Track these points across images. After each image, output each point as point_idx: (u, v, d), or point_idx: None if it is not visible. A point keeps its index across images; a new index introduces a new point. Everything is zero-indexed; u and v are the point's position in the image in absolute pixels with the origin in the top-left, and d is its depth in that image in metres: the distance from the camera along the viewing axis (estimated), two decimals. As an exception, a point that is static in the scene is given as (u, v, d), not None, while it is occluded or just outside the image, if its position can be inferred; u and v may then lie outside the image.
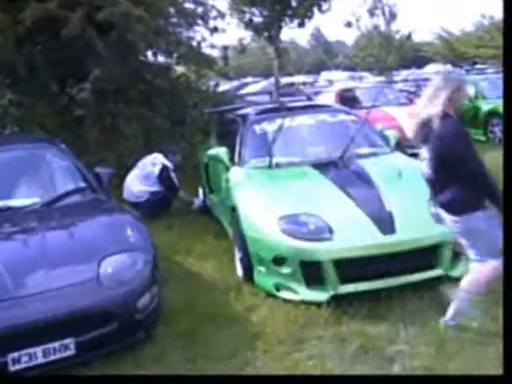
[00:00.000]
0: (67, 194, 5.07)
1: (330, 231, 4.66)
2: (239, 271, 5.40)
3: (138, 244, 4.36)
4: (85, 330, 3.82)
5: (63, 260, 4.09)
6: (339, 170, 5.62)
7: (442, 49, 35.10)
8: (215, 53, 11.48)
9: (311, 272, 4.62)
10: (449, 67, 33.98)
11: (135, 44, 8.95)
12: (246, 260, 5.13)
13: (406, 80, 25.16)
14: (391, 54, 29.33)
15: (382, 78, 27.34)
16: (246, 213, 5.15)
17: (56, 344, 3.72)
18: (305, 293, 4.66)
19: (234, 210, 5.52)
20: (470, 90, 13.01)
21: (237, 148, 6.30)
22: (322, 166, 5.65)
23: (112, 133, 9.55)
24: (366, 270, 4.63)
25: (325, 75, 36.07)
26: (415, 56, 36.08)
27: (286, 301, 4.74)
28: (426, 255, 4.73)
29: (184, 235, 6.86)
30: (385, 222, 4.71)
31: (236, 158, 6.20)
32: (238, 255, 5.47)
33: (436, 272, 4.73)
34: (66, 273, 3.99)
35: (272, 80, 15.42)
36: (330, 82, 24.53)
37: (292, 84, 21.80)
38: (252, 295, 4.95)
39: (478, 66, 28.59)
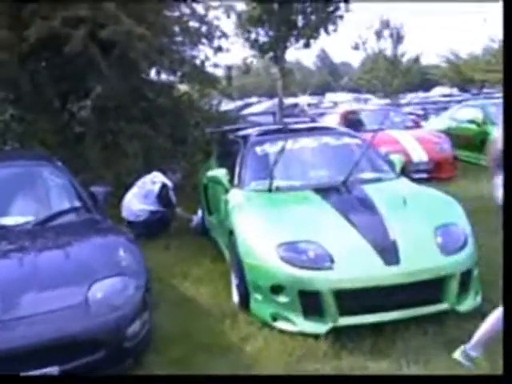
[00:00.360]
0: (61, 213, 4.93)
1: (331, 260, 4.47)
2: (235, 298, 5.20)
3: (130, 268, 4.19)
4: (70, 358, 3.63)
5: (53, 282, 3.92)
6: (341, 195, 5.43)
7: (450, 72, 35.10)
8: (219, 72, 11.39)
9: (310, 302, 4.42)
10: (455, 91, 34.04)
11: (137, 62, 8.86)
12: (243, 287, 4.93)
13: (411, 103, 25.09)
14: (397, 78, 29.29)
15: (387, 101, 27.26)
16: (244, 238, 4.97)
17: (39, 372, 3.52)
18: (302, 324, 4.46)
19: (231, 233, 5.33)
20: (478, 115, 12.89)
21: (237, 169, 6.13)
22: (323, 191, 5.47)
23: (112, 151, 9.43)
24: (367, 301, 4.43)
25: (329, 97, 36.03)
26: (422, 79, 36.02)
27: (282, 332, 4.54)
28: (431, 288, 4.53)
29: (181, 257, 6.67)
30: (388, 252, 4.52)
31: (236, 180, 6.03)
32: (234, 281, 5.28)
33: (442, 306, 4.52)
34: (55, 296, 3.82)
35: (276, 101, 15.32)
36: (335, 104, 24.42)
37: (296, 105, 21.72)
38: (247, 324, 4.75)
39: (485, 90, 28.59)
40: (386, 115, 12.64)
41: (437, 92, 34.79)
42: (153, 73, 11.14)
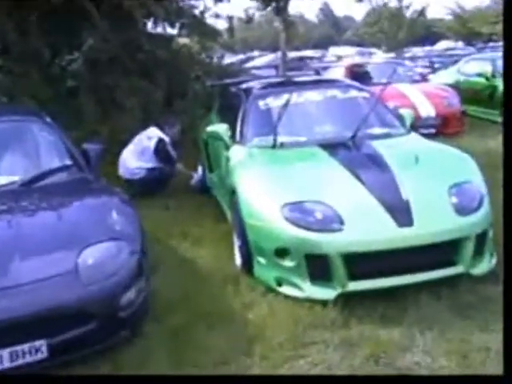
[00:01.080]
0: (50, 171, 4.58)
1: (340, 221, 4.17)
2: (237, 260, 4.93)
3: (124, 231, 3.89)
4: (59, 330, 3.35)
5: (40, 248, 3.62)
6: (350, 151, 5.11)
7: (455, 25, 34.28)
8: (220, 24, 10.94)
9: (317, 266, 4.14)
10: (460, 44, 33.30)
11: (132, 12, 8.40)
12: (245, 249, 4.65)
13: (416, 57, 24.47)
14: (402, 31, 28.58)
15: (391, 55, 26.62)
16: (246, 197, 4.66)
17: (25, 346, 3.26)
18: (309, 289, 4.18)
19: (233, 192, 5.03)
20: (487, 68, 12.46)
21: (238, 125, 5.78)
22: (331, 147, 5.13)
23: (107, 106, 9.04)
24: (378, 265, 4.15)
25: (333, 50, 35.28)
26: (427, 32, 35.21)
27: (287, 297, 4.27)
28: (445, 250, 4.25)
29: (180, 217, 6.39)
30: (401, 213, 4.21)
31: (237, 136, 5.69)
32: (236, 243, 5.00)
33: (456, 269, 4.24)
34: (42, 263, 3.52)
35: (279, 54, 14.80)
36: (339, 58, 23.80)
37: (301, 58, 21.11)
38: (251, 290, 4.47)
39: (492, 44, 27.87)
40: (393, 69, 12.19)
41: (442, 46, 34.09)
42: (149, 26, 10.72)
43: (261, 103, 5.87)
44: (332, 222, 4.19)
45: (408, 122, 5.99)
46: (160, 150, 7.18)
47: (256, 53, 30.19)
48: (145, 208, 6.57)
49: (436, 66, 17.79)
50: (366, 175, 4.59)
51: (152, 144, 7.20)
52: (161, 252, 5.24)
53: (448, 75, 14.11)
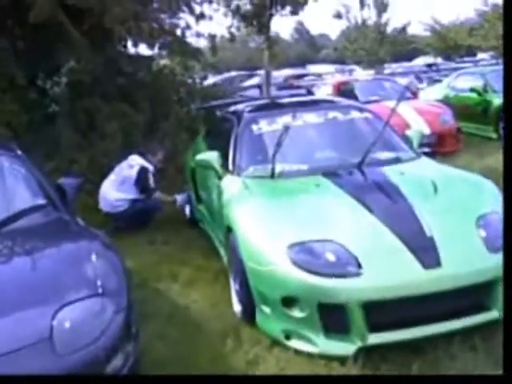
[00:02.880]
0: (21, 213, 3.93)
1: (357, 264, 3.62)
2: (236, 307, 4.35)
3: (107, 284, 3.24)
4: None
5: (5, 310, 3.00)
6: (358, 180, 4.56)
7: (434, 40, 34.18)
8: (201, 42, 10.42)
9: (333, 317, 3.57)
10: (439, 60, 33.15)
11: (112, 31, 7.85)
12: (246, 296, 4.07)
13: (395, 73, 24.18)
14: (383, 47, 28.34)
15: (371, 71, 26.32)
16: (246, 237, 4.08)
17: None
18: (324, 344, 3.61)
19: (229, 230, 4.46)
20: (478, 83, 12.08)
21: (230, 152, 5.22)
22: (336, 176, 4.59)
23: (86, 132, 8.45)
24: (403, 314, 3.61)
25: (312, 68, 34.94)
26: (407, 49, 35.08)
27: (298, 352, 3.70)
28: (478, 293, 3.71)
29: (168, 254, 5.81)
30: (426, 252, 3.67)
31: (230, 165, 5.12)
32: (234, 286, 4.43)
33: (491, 315, 3.69)
34: (7, 331, 2.90)
35: (262, 73, 14.28)
36: (319, 76, 23.38)
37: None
38: (254, 342, 3.89)
39: (478, 58, 27.72)
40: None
41: (420, 62, 33.90)
42: (129, 46, 10.18)
43: (254, 128, 5.32)
44: (347, 265, 3.64)
45: (415, 144, 5.49)
46: (142, 179, 6.60)
47: (234, 73, 29.67)
48: (128, 244, 6.04)
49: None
50: (380, 208, 4.05)
51: (133, 173, 6.62)
52: (148, 298, 4.67)
53: (437, 91, 13.73)
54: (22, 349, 2.81)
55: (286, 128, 4.51)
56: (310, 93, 8.16)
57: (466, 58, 29.01)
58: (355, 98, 11.30)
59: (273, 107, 6.06)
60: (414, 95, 12.34)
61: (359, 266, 3.60)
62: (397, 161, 5.00)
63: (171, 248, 5.99)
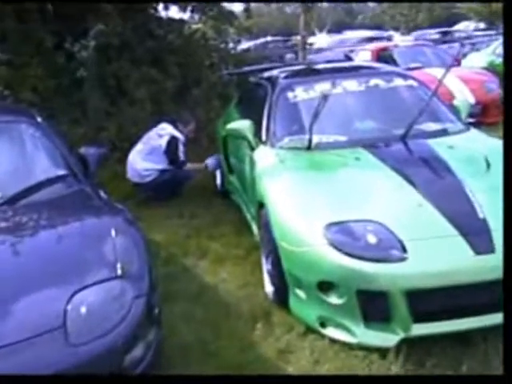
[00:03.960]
0: (40, 185, 3.69)
1: (401, 247, 3.28)
2: (267, 287, 4.06)
3: (128, 266, 2.98)
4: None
5: (15, 296, 2.75)
6: (403, 154, 4.20)
7: (477, 5, 32.87)
8: (235, 6, 10.02)
9: (373, 305, 3.26)
10: (482, 25, 31.97)
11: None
12: (278, 277, 3.77)
13: (436, 40, 23.36)
14: (421, 12, 27.43)
15: (410, 37, 25.50)
16: (279, 214, 3.77)
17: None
18: (363, 334, 3.30)
19: (261, 205, 4.15)
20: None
21: (264, 121, 4.88)
22: (378, 149, 4.23)
23: (115, 98, 8.18)
24: (451, 303, 3.25)
25: (349, 34, 34.07)
26: (447, 14, 33.88)
27: (334, 341, 3.40)
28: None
29: (197, 228, 5.54)
30: (478, 236, 3.31)
31: (263, 135, 4.78)
32: (265, 266, 4.14)
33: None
34: (17, 319, 2.66)
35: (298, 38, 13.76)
36: (358, 42, 22.68)
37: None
38: (287, 329, 3.61)
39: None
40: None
41: (462, 27, 32.77)
42: (160, 9, 9.83)
43: (290, 95, 4.95)
44: (391, 249, 3.30)
45: (464, 115, 5.09)
46: (172, 149, 6.30)
47: (269, 38, 29.06)
48: (157, 216, 5.82)
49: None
50: (427, 185, 3.70)
51: (163, 143, 6.32)
52: (174, 276, 4.42)
53: (481, 57, 13.10)
54: (28, 340, 2.56)
55: (325, 96, 4.14)
56: (348, 58, 7.70)
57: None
58: (395, 64, 10.83)
59: (310, 73, 5.68)
60: (458, 62, 11.76)
61: (404, 249, 3.26)
62: (444, 133, 4.61)
63: (200, 221, 5.72)
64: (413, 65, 10.41)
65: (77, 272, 2.87)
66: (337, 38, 26.56)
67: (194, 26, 10.46)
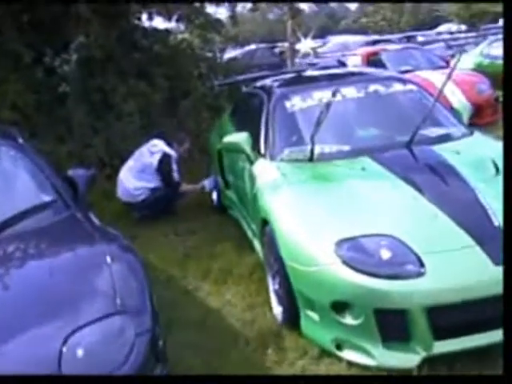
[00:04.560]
0: (28, 212, 3.41)
1: (418, 262, 3.09)
2: (275, 309, 3.85)
3: (128, 298, 2.73)
4: None
5: (2, 337, 2.46)
6: (410, 161, 4.00)
7: (457, 8, 33.02)
8: (220, 13, 9.83)
9: (392, 324, 3.06)
10: (463, 27, 32.05)
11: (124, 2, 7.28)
12: (287, 298, 3.56)
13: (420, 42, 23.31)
14: (404, 16, 27.45)
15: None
16: (286, 233, 3.56)
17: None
18: (382, 355, 3.10)
19: (265, 222, 3.94)
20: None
21: (262, 133, 4.68)
22: (383, 157, 4.03)
23: (101, 113, 7.95)
24: (473, 318, 3.06)
25: (334, 39, 33.99)
26: (430, 17, 33.95)
27: (352, 365, 3.20)
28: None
29: (195, 247, 5.31)
30: (496, 245, 3.11)
31: (262, 148, 4.58)
32: (272, 285, 3.93)
33: None
34: (4, 364, 2.40)
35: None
36: (344, 47, 22.58)
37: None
38: (300, 353, 3.38)
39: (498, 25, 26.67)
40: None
41: (443, 29, 32.81)
42: (144, 19, 9.60)
43: (287, 104, 4.75)
44: (407, 264, 3.11)
45: (465, 118, 4.92)
46: (164, 168, 6.07)
47: (253, 46, 28.93)
48: (152, 235, 5.61)
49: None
50: (439, 194, 3.52)
51: (154, 161, 6.08)
52: (175, 301, 4.18)
53: (468, 59, 12.98)
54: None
55: (328, 105, 3.95)
56: (342, 64, 7.50)
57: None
58: (384, 68, 10.70)
59: (306, 81, 5.48)
60: (447, 64, 11.63)
61: (421, 264, 3.07)
62: (449, 138, 4.43)
63: (198, 239, 5.49)
64: (403, 68, 10.27)
65: (71, 308, 2.60)
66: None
67: (180, 36, 10.26)
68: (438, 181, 3.68)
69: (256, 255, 4.57)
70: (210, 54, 9.87)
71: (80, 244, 3.26)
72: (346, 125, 4.59)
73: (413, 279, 3.04)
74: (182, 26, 9.97)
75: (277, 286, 3.78)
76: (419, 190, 3.57)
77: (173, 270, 4.81)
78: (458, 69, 11.40)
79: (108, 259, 2.94)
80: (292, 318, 3.57)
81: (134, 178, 6.11)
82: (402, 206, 3.47)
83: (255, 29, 58.52)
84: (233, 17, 9.79)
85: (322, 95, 4.65)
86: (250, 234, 4.86)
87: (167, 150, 6.12)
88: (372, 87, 4.86)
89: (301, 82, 5.48)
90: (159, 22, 9.94)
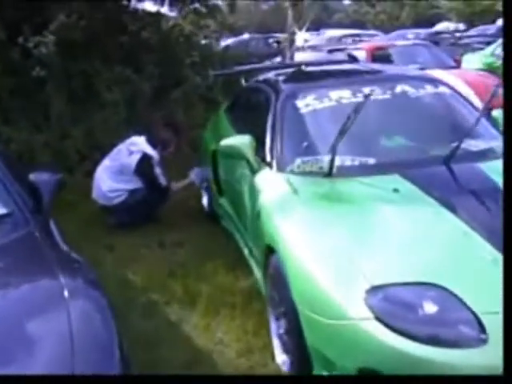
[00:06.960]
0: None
1: (478, 325, 2.35)
2: (278, 357, 3.11)
3: (89, 350, 2.02)
4: None
5: None
6: (453, 184, 3.27)
7: (459, 5, 32.30)
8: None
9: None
10: (461, 26, 31.41)
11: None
12: (296, 348, 2.81)
13: (418, 38, 22.63)
14: (405, 11, 26.76)
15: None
16: (300, 270, 2.80)
17: None
18: None
19: (270, 250, 3.19)
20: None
21: (268, 137, 3.90)
22: (419, 177, 3.28)
23: (83, 100, 7.16)
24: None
25: (329, 33, 33.22)
26: (430, 13, 33.26)
27: None
28: None
29: (181, 263, 4.56)
30: None
31: (267, 154, 3.81)
32: (275, 328, 3.19)
33: None
34: None
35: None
36: (339, 40, 21.83)
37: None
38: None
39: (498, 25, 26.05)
40: (422, 52, 10.48)
41: (441, 27, 32.18)
42: (133, 2, 8.81)
43: (300, 104, 3.98)
44: (460, 325, 2.37)
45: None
46: (145, 170, 5.30)
47: (246, 35, 28.13)
48: (130, 245, 4.86)
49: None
50: (494, 230, 2.77)
51: (133, 162, 5.28)
52: (155, 336, 3.44)
53: (478, 59, 12.30)
54: None
55: (357, 109, 3.19)
56: (353, 58, 6.71)
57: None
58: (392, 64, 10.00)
59: (319, 77, 4.70)
60: (457, 63, 10.94)
61: (482, 328, 2.34)
62: (492, 154, 3.67)
63: (186, 253, 4.74)
64: (411, 66, 9.57)
65: (20, 356, 1.95)
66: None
67: (172, 22, 9.47)
68: (492, 212, 2.94)
69: (253, 278, 3.85)
70: (204, 42, 9.08)
71: (33, 273, 2.53)
72: (369, 132, 3.80)
73: (470, 348, 2.31)
74: (174, 11, 9.16)
75: (282, 331, 3.04)
76: (468, 222, 2.83)
77: (154, 293, 4.06)
78: (471, 69, 10.88)
79: (66, 294, 2.20)
80: (301, 370, 2.82)
81: (110, 179, 5.33)
82: (451, 245, 2.73)
83: (249, 18, 57.66)
84: (232, 4, 9.00)
85: (341, 95, 3.93)
86: (246, 252, 4.11)
87: (148, 150, 5.30)
88: (399, 88, 4.09)
89: (313, 77, 4.68)
90: (150, 5, 9.18)
